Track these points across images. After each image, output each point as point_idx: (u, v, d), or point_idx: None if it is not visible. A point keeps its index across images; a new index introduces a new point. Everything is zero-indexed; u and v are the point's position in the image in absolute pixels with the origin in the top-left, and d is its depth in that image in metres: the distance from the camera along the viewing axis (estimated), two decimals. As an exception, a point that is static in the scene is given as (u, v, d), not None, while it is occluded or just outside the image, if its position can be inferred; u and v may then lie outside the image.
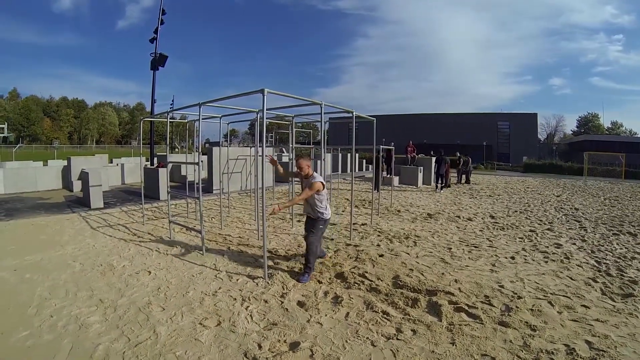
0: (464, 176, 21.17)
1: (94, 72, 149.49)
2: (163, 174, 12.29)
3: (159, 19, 17.47)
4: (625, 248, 7.24)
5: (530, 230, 8.66)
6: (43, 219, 8.69)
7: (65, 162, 16.22)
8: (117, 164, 18.43)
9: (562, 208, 12.34)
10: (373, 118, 8.74)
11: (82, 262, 5.71)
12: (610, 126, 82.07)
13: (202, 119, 9.53)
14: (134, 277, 5.11)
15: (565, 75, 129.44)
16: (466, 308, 4.19)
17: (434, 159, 19.45)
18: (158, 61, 17.59)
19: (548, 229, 8.83)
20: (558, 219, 10.34)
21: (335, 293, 4.67)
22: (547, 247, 7.19)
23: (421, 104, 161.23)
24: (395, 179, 18.22)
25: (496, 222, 9.58)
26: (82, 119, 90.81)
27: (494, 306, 4.27)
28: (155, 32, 17.73)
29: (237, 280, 5.13)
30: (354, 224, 8.57)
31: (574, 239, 7.84)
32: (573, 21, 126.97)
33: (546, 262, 6.21)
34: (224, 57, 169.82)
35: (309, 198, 5.13)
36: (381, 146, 11.16)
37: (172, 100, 24.47)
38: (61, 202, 11.23)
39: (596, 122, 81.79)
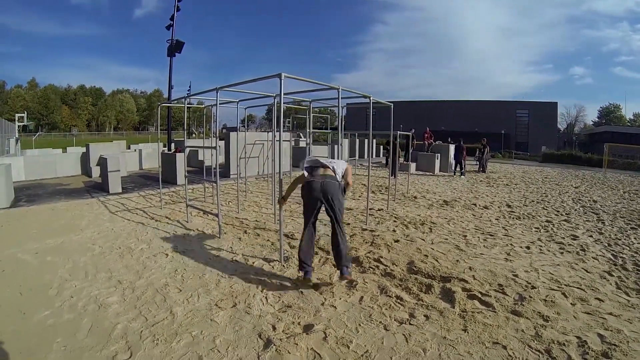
0: (480, 165, 20.89)
1: (111, 61, 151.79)
2: (180, 159, 12.42)
3: (175, 5, 17.48)
4: (645, 243, 7.00)
5: (547, 221, 8.49)
6: (63, 204, 8.88)
7: (84, 149, 16.55)
8: (135, 150, 18.66)
9: (579, 200, 12.02)
10: (390, 104, 8.63)
11: (101, 245, 5.84)
12: (632, 118, 79.91)
13: (220, 104, 9.62)
14: (152, 260, 5.20)
15: (587, 64, 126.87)
16: (479, 296, 4.16)
17: (452, 146, 19.36)
18: (175, 47, 17.64)
19: (565, 220, 8.66)
20: (575, 210, 10.07)
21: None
22: (563, 238, 7.04)
23: (440, 91, 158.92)
24: (413, 166, 18.15)
25: (512, 212, 9.41)
26: (100, 106, 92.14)
27: (507, 295, 4.22)
28: (172, 18, 17.76)
29: (253, 263, 5.18)
30: (370, 209, 8.52)
31: (591, 232, 7.66)
32: (596, 9, 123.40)
33: (562, 253, 6.10)
34: (240, 44, 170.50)
35: None
36: (398, 132, 11.06)
37: (190, 86, 24.59)
38: (80, 188, 11.49)
39: (618, 113, 79.62)
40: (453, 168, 18.34)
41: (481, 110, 55.68)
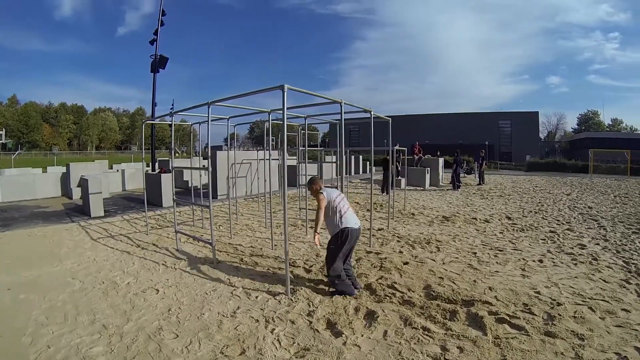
0: (479, 177, 20.62)
1: (94, 79, 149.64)
2: (166, 180, 11.75)
3: (159, 19, 16.86)
4: (649, 247, 7.05)
5: (551, 231, 8.35)
6: (41, 229, 8.13)
7: (64, 169, 15.63)
8: (118, 170, 17.93)
9: (575, 207, 12.14)
10: (388, 118, 8.31)
11: (82, 279, 5.14)
12: (610, 123, 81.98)
13: (207, 121, 9.10)
14: (141, 297, 4.55)
15: (563, 73, 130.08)
16: (508, 319, 3.87)
17: (441, 159, 19.26)
18: (159, 63, 16.97)
19: (568, 229, 8.55)
20: (574, 218, 10.11)
21: (367, 308, 4.19)
22: (572, 248, 6.92)
23: (421, 105, 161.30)
24: (403, 181, 17.87)
25: (514, 224, 9.25)
26: (82, 124, 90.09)
27: (535, 315, 3.97)
28: (155, 33, 17.15)
29: (257, 297, 4.59)
30: (370, 229, 8.08)
31: (596, 239, 7.59)
32: (569, 20, 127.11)
33: (575, 264, 5.93)
34: (223, 63, 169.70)
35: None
36: (396, 148, 10.71)
37: (172, 105, 23.85)
38: (60, 211, 10.68)
39: (596, 119, 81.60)
40: (454, 182, 17.91)
41: (464, 123, 56.21)
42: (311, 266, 5.74)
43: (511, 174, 30.66)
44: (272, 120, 7.24)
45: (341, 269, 4.60)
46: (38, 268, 5.57)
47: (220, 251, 6.54)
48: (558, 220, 9.66)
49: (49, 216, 9.73)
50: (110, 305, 4.29)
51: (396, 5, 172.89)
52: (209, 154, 5.97)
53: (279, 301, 4.45)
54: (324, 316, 4.01)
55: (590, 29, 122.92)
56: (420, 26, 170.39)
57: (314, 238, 4.50)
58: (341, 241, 4.50)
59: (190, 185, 16.24)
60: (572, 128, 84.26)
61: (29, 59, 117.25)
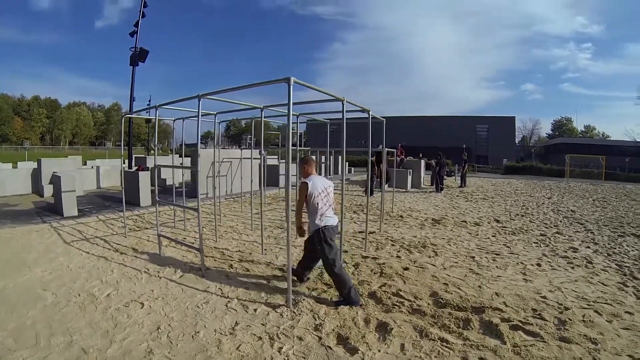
0: (462, 180, 20.56)
1: (69, 72, 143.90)
2: (144, 178, 11.11)
3: (140, 10, 16.00)
4: (637, 250, 7.26)
5: (541, 235, 8.39)
6: (8, 230, 7.37)
7: (35, 164, 14.71)
8: (92, 167, 16.98)
9: (559, 210, 12.29)
10: (383, 119, 8.03)
11: (55, 290, 4.51)
12: (583, 129, 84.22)
13: (188, 117, 8.47)
14: (123, 312, 3.99)
15: (537, 81, 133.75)
16: (521, 325, 3.78)
17: (422, 162, 19.18)
18: (139, 56, 16.15)
19: (557, 233, 8.62)
20: (561, 221, 10.21)
21: (377, 319, 3.88)
22: (565, 251, 6.98)
23: (400, 107, 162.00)
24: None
25: (504, 227, 9.20)
26: (55, 119, 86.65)
27: (546, 320, 3.91)
28: (136, 25, 16.29)
29: (255, 310, 4.13)
30: (360, 232, 8.03)
31: (586, 242, 7.74)
32: (545, 31, 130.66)
33: (572, 267, 5.97)
34: (202, 62, 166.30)
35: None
36: (385, 148, 10.45)
37: (149, 101, 22.99)
38: (30, 210, 9.89)
39: (570, 125, 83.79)
40: (435, 183, 17.76)
41: (441, 126, 56.66)
42: (291, 268, 5.34)
43: (489, 176, 30.95)
44: (260, 118, 6.76)
45: (348, 278, 4.37)
46: (3, 277, 4.91)
47: (207, 256, 5.99)
48: (546, 224, 9.72)
49: (17, 215, 8.94)
50: (89, 323, 3.72)
51: (377, 9, 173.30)
52: (198, 152, 5.40)
53: (281, 314, 4.01)
54: (334, 330, 3.65)
55: (565, 40, 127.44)
56: (400, 30, 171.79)
57: (297, 231, 4.45)
58: (324, 241, 4.31)
59: (169, 183, 15.81)
60: (546, 133, 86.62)
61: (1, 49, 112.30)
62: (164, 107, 5.98)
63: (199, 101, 4.95)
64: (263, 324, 3.79)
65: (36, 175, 13.23)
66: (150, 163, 17.13)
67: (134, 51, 16.30)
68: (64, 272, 5.22)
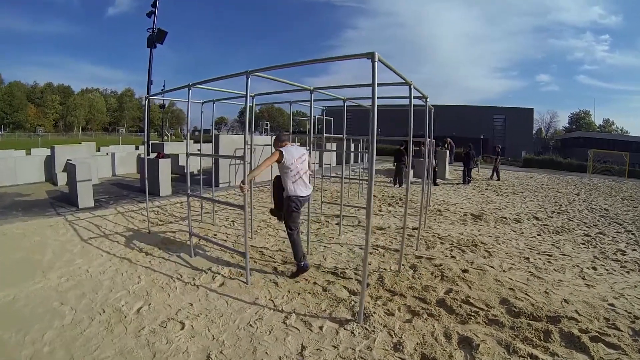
0: (495, 173, 19.28)
1: (81, 60, 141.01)
2: (164, 166, 10.31)
3: (157, -11, 15.07)
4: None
5: (585, 235, 7.85)
6: (20, 225, 6.55)
7: (49, 152, 13.95)
8: (107, 153, 16.22)
9: (592, 208, 11.54)
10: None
11: (75, 304, 3.68)
12: (602, 124, 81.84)
13: (219, 100, 7.72)
14: (161, 335, 3.16)
15: (552, 72, 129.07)
16: (600, 336, 3.43)
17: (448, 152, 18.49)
18: (157, 37, 15.24)
19: (600, 233, 8.06)
20: (598, 220, 9.55)
21: (458, 333, 3.40)
22: (615, 254, 6.54)
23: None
24: (410, 173, 16.98)
25: (546, 225, 8.57)
26: (69, 105, 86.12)
27: (621, 330, 3.58)
28: (154, 5, 15.33)
29: (321, 328, 3.38)
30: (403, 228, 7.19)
31: (632, 244, 7.24)
32: (561, 19, 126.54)
33: (627, 272, 5.57)
34: (213, 48, 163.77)
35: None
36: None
37: (164, 86, 22.15)
38: (43, 200, 9.07)
39: (588, 119, 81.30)
40: (463, 175, 16.90)
41: (456, 116, 55.34)
42: (366, 277, 4.58)
43: (509, 168, 29.83)
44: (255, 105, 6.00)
45: (301, 246, 4.63)
46: (14, 284, 4.09)
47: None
48: (585, 223, 9.12)
49: (30, 207, 8.14)
50: (120, 352, 2.89)
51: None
52: (246, 139, 4.57)
53: (352, 332, 3.32)
54: (416, 349, 3.13)
55: (581, 30, 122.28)
56: (411, 16, 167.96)
57: (241, 184, 4.26)
58: (290, 209, 4.46)
59: (187, 171, 15.02)
60: (562, 127, 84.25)
61: (14, 39, 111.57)
62: (198, 86, 5.12)
63: (247, 79, 4.08)
64: (334, 347, 3.09)
65: (50, 162, 12.46)
66: (166, 150, 16.41)
67: (151, 32, 15.39)
68: (83, 278, 4.39)
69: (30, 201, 8.87)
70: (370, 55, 3.26)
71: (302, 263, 4.55)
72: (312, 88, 5.40)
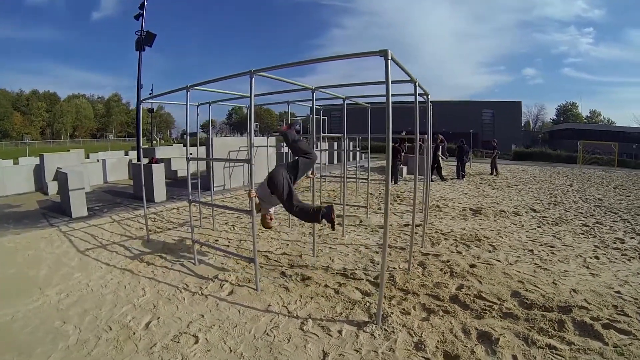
0: (493, 168, 18.99)
1: (67, 66, 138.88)
2: (158, 171, 10.06)
3: (143, -9, 14.75)
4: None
5: (583, 225, 7.84)
6: (11, 238, 6.23)
7: (38, 160, 13.53)
8: (98, 160, 15.82)
9: (587, 198, 11.54)
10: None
11: (78, 322, 3.44)
12: (588, 115, 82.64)
13: (215, 102, 7.53)
14: (175, 352, 2.94)
15: (538, 65, 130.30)
16: (611, 323, 3.47)
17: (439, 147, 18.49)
18: (145, 40, 14.91)
19: (597, 223, 8.05)
20: (594, 210, 9.56)
21: (476, 328, 3.40)
22: (614, 242, 6.56)
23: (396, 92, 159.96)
24: (404, 169, 16.97)
25: (545, 217, 8.56)
26: (55, 112, 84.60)
27: (630, 317, 3.63)
28: (141, 7, 14.94)
29: (340, 332, 3.28)
30: (405, 225, 7.53)
31: (629, 233, 7.24)
32: (545, 14, 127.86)
33: (629, 260, 5.57)
34: (199, 49, 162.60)
35: None
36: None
37: (152, 90, 21.80)
38: (34, 211, 8.72)
39: (574, 110, 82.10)
40: (457, 170, 16.78)
41: (446, 111, 55.51)
42: (376, 277, 4.55)
43: (500, 162, 29.89)
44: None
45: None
46: (10, 303, 3.82)
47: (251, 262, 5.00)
48: (581, 213, 9.12)
49: (21, 218, 7.79)
50: None
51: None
52: (251, 141, 4.36)
53: (372, 334, 3.26)
54: (437, 347, 3.10)
55: (566, 24, 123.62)
56: (397, 15, 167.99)
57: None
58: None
59: (180, 175, 14.80)
60: (550, 119, 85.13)
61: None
62: (196, 88, 4.91)
63: (251, 78, 3.90)
64: (357, 350, 3.00)
65: (39, 171, 12.06)
66: (157, 154, 16.10)
67: (139, 35, 15.04)
68: (83, 293, 4.13)
69: (20, 212, 8.51)
70: (383, 53, 3.20)
71: (324, 209, 4.16)
72: (314, 87, 5.23)
